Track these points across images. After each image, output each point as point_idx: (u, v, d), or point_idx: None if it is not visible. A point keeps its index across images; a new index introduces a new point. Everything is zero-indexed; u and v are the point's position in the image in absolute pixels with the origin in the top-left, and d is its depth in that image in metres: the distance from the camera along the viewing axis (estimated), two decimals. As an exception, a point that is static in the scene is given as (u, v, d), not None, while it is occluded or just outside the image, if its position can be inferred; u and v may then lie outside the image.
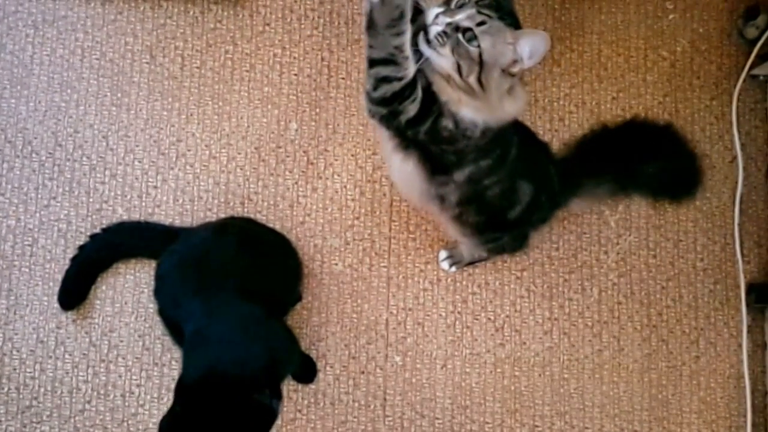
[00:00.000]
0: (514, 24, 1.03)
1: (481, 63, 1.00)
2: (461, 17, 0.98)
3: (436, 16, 0.99)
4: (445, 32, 0.99)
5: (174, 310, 1.31)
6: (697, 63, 1.70)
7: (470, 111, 1.05)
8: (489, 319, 1.58)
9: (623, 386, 1.57)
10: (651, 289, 1.61)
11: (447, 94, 1.04)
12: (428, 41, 1.01)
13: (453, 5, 1.00)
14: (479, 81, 1.01)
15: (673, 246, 1.63)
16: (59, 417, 1.50)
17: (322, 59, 1.65)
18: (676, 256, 1.63)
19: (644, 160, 1.40)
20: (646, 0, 1.71)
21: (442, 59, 1.01)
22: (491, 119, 1.06)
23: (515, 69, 1.02)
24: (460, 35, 0.99)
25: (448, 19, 0.99)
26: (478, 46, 0.99)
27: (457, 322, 1.57)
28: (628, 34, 1.69)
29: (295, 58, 1.64)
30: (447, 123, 1.06)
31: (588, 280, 1.61)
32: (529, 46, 0.99)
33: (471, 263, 1.56)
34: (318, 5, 1.67)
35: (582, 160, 1.44)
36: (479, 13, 0.98)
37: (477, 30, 0.98)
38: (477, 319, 1.58)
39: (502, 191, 1.20)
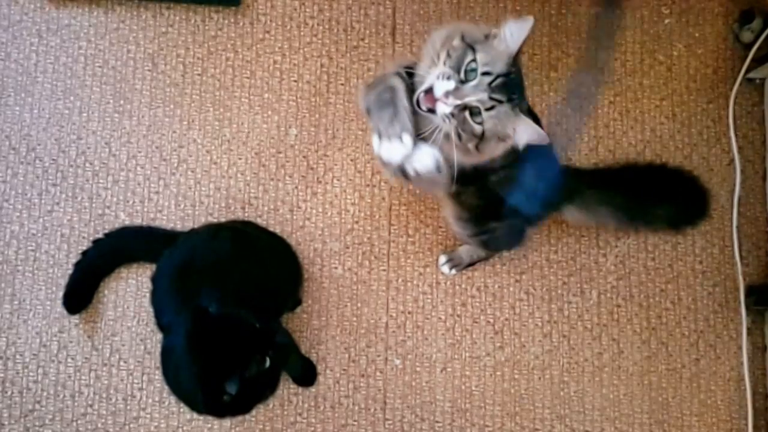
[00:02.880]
0: (521, 94, 1.00)
1: (482, 136, 0.99)
2: (472, 100, 0.95)
3: (446, 95, 0.95)
4: (452, 114, 0.97)
5: (161, 318, 1.32)
6: (693, 67, 1.71)
7: (462, 158, 1.05)
8: (488, 322, 1.59)
9: (623, 389, 1.57)
10: (650, 291, 1.62)
11: (443, 145, 1.03)
12: (418, 104, 0.99)
13: (462, 74, 0.96)
14: (476, 147, 1.01)
15: (672, 249, 1.63)
16: (61, 421, 1.51)
17: (321, 66, 1.67)
18: (674, 258, 1.63)
19: (657, 203, 1.42)
20: (642, 5, 1.72)
21: (444, 125, 0.99)
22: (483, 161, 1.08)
23: (509, 142, 1.01)
24: (466, 113, 0.97)
25: (458, 101, 0.95)
26: (482, 123, 0.97)
27: (457, 326, 1.58)
28: (625, 39, 1.71)
29: (294, 64, 1.67)
30: None
31: (587, 283, 1.61)
32: (526, 137, 0.99)
33: (470, 265, 1.57)
34: (317, 13, 1.69)
35: (593, 174, 1.46)
36: (491, 98, 0.95)
37: (485, 114, 0.96)
38: (476, 322, 1.59)
39: (506, 175, 1.18)
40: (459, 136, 0.99)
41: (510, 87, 0.97)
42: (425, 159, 1.02)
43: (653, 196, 1.42)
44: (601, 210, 1.45)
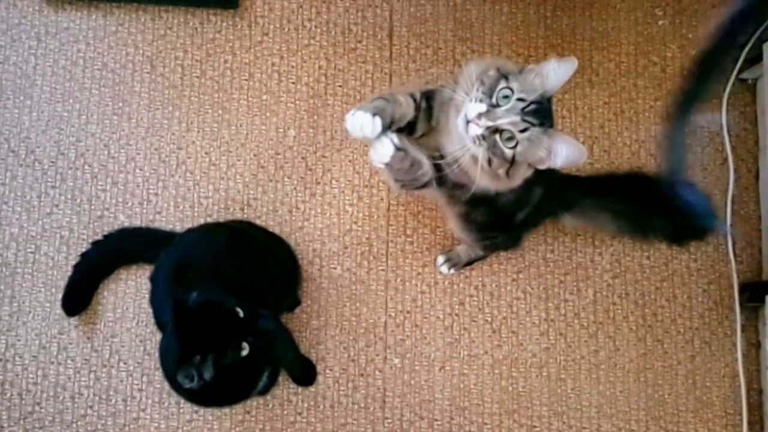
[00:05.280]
0: (550, 121, 1.02)
1: (512, 161, 1.00)
2: (504, 122, 0.97)
3: (479, 116, 0.97)
4: (483, 136, 0.98)
5: (160, 317, 1.32)
6: (687, 68, 1.73)
7: (488, 184, 1.06)
8: (486, 320, 1.60)
9: (620, 386, 1.59)
10: (645, 289, 1.63)
11: (471, 169, 1.05)
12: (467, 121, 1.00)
13: (494, 99, 0.98)
14: (506, 173, 1.02)
15: (666, 247, 1.65)
16: (61, 422, 1.51)
17: (320, 68, 1.68)
18: (669, 256, 1.65)
19: (661, 214, 1.43)
20: (636, 7, 1.74)
21: (474, 147, 1.01)
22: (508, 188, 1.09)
23: (542, 165, 1.01)
24: (497, 136, 0.98)
25: (490, 123, 0.97)
26: (514, 147, 0.98)
27: (455, 324, 1.59)
28: (619, 41, 1.73)
29: (292, 66, 1.68)
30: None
31: (583, 282, 1.63)
32: (566, 153, 0.98)
33: (468, 264, 1.58)
34: (315, 15, 1.70)
35: (592, 182, 1.46)
36: (523, 120, 0.97)
37: (519, 136, 0.98)
38: (474, 321, 1.60)
39: (516, 196, 1.19)
40: (489, 162, 1.00)
41: (542, 113, 0.98)
42: (383, 149, 1.01)
43: (658, 207, 1.43)
44: (600, 217, 1.47)
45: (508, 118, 0.97)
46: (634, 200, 1.44)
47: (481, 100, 0.98)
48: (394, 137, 1.02)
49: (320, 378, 1.55)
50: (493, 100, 0.98)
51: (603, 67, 1.71)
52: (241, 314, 1.08)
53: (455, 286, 1.61)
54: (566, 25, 1.73)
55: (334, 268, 1.60)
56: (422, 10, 1.71)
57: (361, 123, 1.00)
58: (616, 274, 1.63)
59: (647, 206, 1.44)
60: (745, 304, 1.62)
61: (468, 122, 0.99)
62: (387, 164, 1.02)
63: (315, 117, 1.66)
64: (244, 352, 1.06)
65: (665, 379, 1.60)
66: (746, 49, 1.67)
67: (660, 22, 1.75)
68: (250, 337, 1.07)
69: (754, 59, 1.66)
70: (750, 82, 1.71)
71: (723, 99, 1.70)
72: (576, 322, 1.61)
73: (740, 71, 1.69)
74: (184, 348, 1.06)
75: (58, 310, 1.52)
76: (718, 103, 1.70)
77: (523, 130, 0.97)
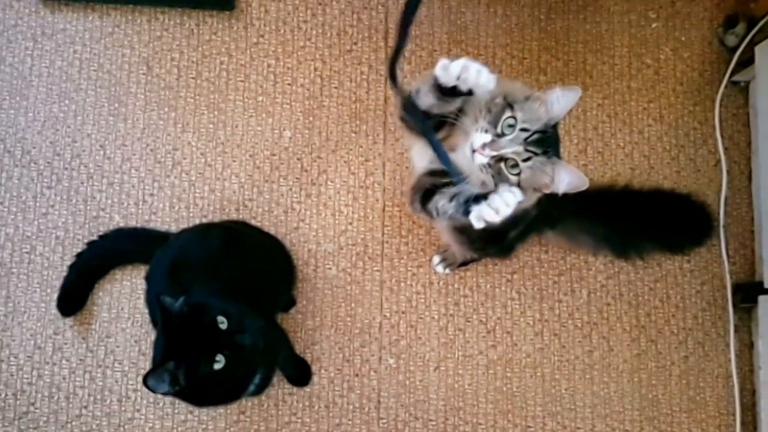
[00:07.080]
0: (556, 149, 1.03)
1: (517, 185, 1.02)
2: (507, 151, 0.99)
3: (483, 147, 1.00)
4: (489, 164, 1.00)
5: (155, 316, 1.32)
6: (680, 70, 1.74)
7: None
8: (481, 321, 1.61)
9: (613, 386, 1.60)
10: (639, 290, 1.64)
11: (480, 191, 1.06)
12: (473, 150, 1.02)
13: (499, 129, 1.00)
14: None
15: (659, 253, 1.65)
16: (56, 422, 1.51)
17: (315, 69, 1.69)
18: (662, 258, 1.65)
19: (644, 236, 1.44)
20: (629, 10, 1.76)
21: (481, 175, 1.03)
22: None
23: (547, 191, 1.03)
24: (502, 164, 1.00)
25: (494, 153, 0.99)
26: (518, 174, 1.01)
27: (450, 325, 1.60)
28: (613, 43, 1.74)
29: (288, 68, 1.69)
30: None
31: (577, 282, 1.63)
32: (567, 180, 1.00)
33: (464, 264, 1.59)
34: (310, 17, 1.71)
35: (579, 202, 1.46)
36: (526, 150, 0.99)
37: (522, 165, 1.00)
38: (469, 322, 1.60)
39: (515, 216, 1.20)
40: (496, 186, 1.02)
41: (545, 142, 1.00)
42: (511, 198, 1.00)
43: (644, 228, 1.44)
44: (581, 238, 1.49)
45: (511, 148, 0.99)
46: (617, 223, 1.45)
47: (486, 131, 1.00)
48: (516, 190, 1.01)
49: (315, 378, 1.55)
50: (498, 130, 1.00)
51: (596, 70, 1.73)
52: (225, 325, 1.07)
53: (450, 287, 1.61)
54: (560, 27, 1.74)
55: (330, 269, 1.60)
56: (417, 13, 1.72)
57: (478, 69, 0.96)
58: (610, 275, 1.64)
59: (631, 229, 1.45)
60: (738, 304, 1.62)
61: (474, 151, 1.01)
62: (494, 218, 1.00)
63: (310, 118, 1.66)
64: (218, 366, 1.05)
65: (659, 380, 1.60)
66: (738, 53, 1.69)
67: (653, 25, 1.76)
68: (226, 350, 1.05)
69: (746, 62, 1.68)
70: (742, 84, 1.73)
71: (716, 101, 1.71)
72: (570, 323, 1.62)
73: (733, 74, 1.71)
74: (165, 351, 1.06)
75: (54, 310, 1.53)
76: (711, 105, 1.72)
77: (526, 159, 1.00)
